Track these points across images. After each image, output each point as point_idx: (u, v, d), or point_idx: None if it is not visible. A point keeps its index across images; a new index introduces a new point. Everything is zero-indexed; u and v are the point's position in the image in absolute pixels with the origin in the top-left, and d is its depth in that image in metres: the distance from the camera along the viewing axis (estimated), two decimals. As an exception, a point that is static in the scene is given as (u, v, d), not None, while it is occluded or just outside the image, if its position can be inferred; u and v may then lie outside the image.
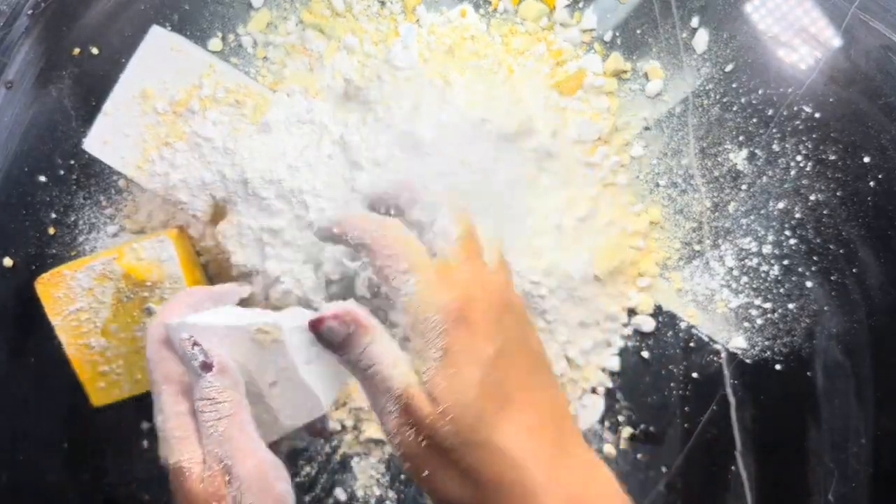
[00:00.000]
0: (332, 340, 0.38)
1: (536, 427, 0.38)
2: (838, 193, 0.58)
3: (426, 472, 0.37)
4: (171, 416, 0.40)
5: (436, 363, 0.36)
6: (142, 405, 0.61)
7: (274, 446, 0.42)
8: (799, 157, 0.58)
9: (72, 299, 0.54)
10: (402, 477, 0.63)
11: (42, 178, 0.59)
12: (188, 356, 0.39)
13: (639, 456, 0.62)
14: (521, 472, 0.36)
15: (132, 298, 0.54)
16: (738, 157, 0.58)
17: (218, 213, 0.55)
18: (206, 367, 0.39)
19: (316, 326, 0.38)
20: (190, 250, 0.57)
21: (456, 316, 0.36)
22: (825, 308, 0.59)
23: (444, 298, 0.37)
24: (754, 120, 0.58)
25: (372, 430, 0.62)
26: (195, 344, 0.40)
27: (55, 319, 0.55)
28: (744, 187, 0.59)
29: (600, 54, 0.58)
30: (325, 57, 0.56)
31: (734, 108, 0.58)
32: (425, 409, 0.36)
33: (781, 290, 0.59)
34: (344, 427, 0.62)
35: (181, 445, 0.40)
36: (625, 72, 0.58)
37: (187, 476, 0.38)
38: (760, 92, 0.58)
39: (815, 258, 0.59)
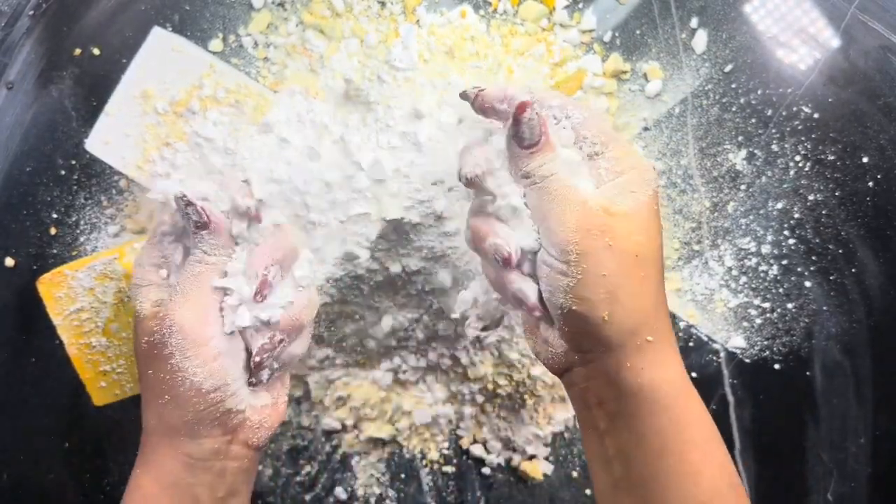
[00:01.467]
0: (531, 134, 0.38)
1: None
2: (837, 193, 0.58)
3: (602, 291, 0.37)
4: (139, 267, 0.47)
5: (613, 181, 0.38)
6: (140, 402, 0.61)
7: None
8: (798, 158, 0.58)
9: (73, 299, 0.55)
10: (403, 476, 0.63)
11: (43, 179, 0.59)
12: (183, 216, 0.45)
13: (638, 455, 0.62)
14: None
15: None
16: (738, 158, 0.59)
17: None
18: (202, 226, 0.44)
19: (521, 110, 0.38)
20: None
21: (637, 160, 0.39)
22: (824, 308, 0.59)
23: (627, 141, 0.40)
24: (753, 120, 0.58)
25: (372, 430, 0.62)
26: (188, 203, 0.44)
27: (57, 319, 0.55)
28: (743, 187, 0.59)
29: (600, 55, 0.58)
30: (325, 57, 0.56)
31: (733, 109, 0.58)
32: (601, 211, 0.38)
33: (780, 290, 0.59)
34: (344, 427, 0.63)
35: (147, 289, 0.46)
36: (624, 72, 0.58)
37: (141, 317, 0.45)
38: (759, 92, 0.58)
39: (813, 258, 0.59)
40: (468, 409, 0.62)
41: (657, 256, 0.39)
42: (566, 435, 0.62)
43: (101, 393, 0.57)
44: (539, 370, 0.59)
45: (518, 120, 0.38)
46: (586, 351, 0.39)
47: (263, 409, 0.46)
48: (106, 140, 0.53)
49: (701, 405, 0.40)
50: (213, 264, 0.45)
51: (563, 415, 0.61)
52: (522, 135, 0.38)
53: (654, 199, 0.39)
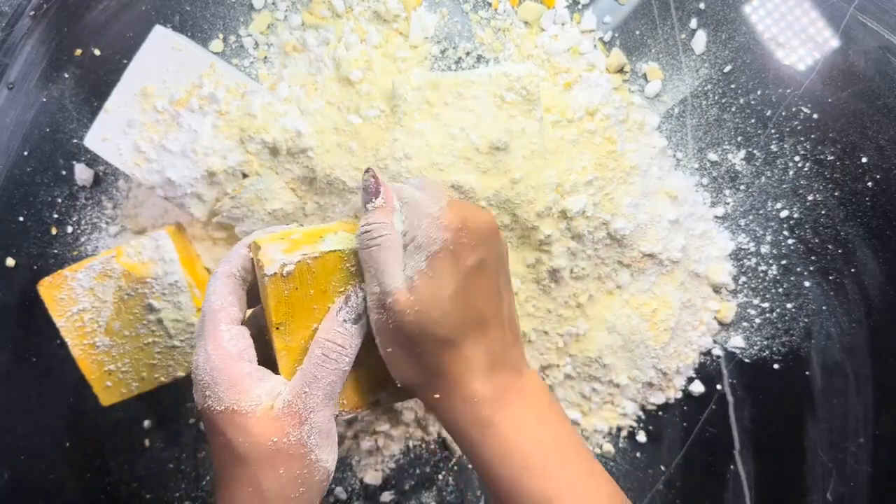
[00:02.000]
0: (366, 191, 0.44)
1: (499, 342, 0.44)
2: (836, 193, 0.58)
3: (389, 349, 0.43)
4: (217, 360, 0.43)
5: (422, 263, 0.41)
6: (143, 404, 0.61)
7: None
8: (797, 158, 0.58)
9: (74, 300, 0.55)
10: (403, 475, 0.63)
11: (44, 179, 0.59)
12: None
13: (638, 455, 0.62)
14: (465, 367, 0.43)
15: (133, 296, 0.55)
16: (737, 158, 0.59)
17: (214, 213, 0.55)
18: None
19: (366, 170, 0.44)
20: (188, 246, 0.57)
21: (450, 236, 0.42)
22: (823, 307, 0.59)
23: (441, 216, 0.42)
24: (752, 120, 0.58)
25: (372, 428, 0.62)
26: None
27: (59, 321, 0.55)
28: (742, 187, 0.59)
29: (602, 51, 0.58)
30: (325, 57, 0.56)
31: (732, 109, 0.58)
32: (402, 301, 0.41)
33: (780, 290, 0.59)
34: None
35: (234, 389, 0.42)
36: (625, 66, 0.58)
37: (248, 417, 0.42)
38: (759, 93, 0.58)
39: (813, 258, 0.59)
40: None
41: (453, 316, 0.42)
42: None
43: (107, 393, 0.57)
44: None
45: (364, 178, 0.44)
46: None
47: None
48: (105, 136, 0.53)
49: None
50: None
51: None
52: (366, 190, 0.44)
53: (441, 259, 0.42)
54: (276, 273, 0.42)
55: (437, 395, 0.43)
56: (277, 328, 0.43)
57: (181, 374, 0.57)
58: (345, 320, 0.43)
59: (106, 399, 0.57)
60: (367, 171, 0.44)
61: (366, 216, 0.43)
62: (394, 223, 0.43)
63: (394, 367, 0.44)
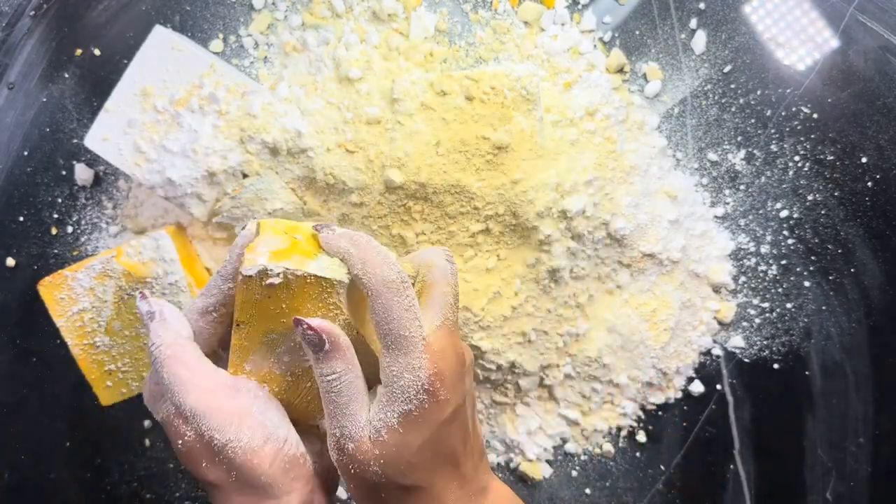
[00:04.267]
0: (310, 344, 0.40)
1: (470, 470, 0.43)
2: (836, 193, 0.58)
3: (352, 487, 0.42)
4: (203, 394, 0.42)
5: (393, 420, 0.40)
6: (143, 404, 0.61)
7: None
8: (797, 158, 0.58)
9: (74, 300, 0.55)
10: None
11: (44, 179, 0.59)
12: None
13: (637, 455, 0.62)
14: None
15: (133, 296, 0.55)
16: (737, 158, 0.59)
17: (214, 213, 0.55)
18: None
19: (297, 323, 0.40)
20: (188, 245, 0.57)
21: (427, 398, 0.40)
22: (823, 307, 0.59)
23: (420, 374, 0.40)
24: (752, 120, 0.58)
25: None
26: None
27: (59, 321, 0.55)
28: (742, 187, 0.59)
29: (602, 51, 0.58)
30: (325, 57, 0.56)
31: (732, 109, 0.58)
32: (365, 451, 0.40)
33: (779, 290, 0.59)
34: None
35: (235, 425, 0.42)
36: (625, 66, 0.58)
37: (256, 452, 0.41)
38: (759, 93, 0.58)
39: (813, 258, 0.59)
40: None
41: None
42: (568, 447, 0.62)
43: (107, 393, 0.57)
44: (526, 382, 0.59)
45: (299, 331, 0.40)
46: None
47: (323, 453, 0.46)
48: (105, 136, 0.53)
49: None
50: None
51: (561, 429, 0.62)
52: (310, 344, 0.40)
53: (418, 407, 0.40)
54: (251, 276, 0.40)
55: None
56: (238, 325, 0.42)
57: None
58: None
59: (106, 399, 0.57)
60: (297, 322, 0.40)
61: (318, 367, 0.41)
62: (350, 365, 0.40)
63: None
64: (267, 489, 0.41)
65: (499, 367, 0.58)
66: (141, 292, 0.44)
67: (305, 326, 0.40)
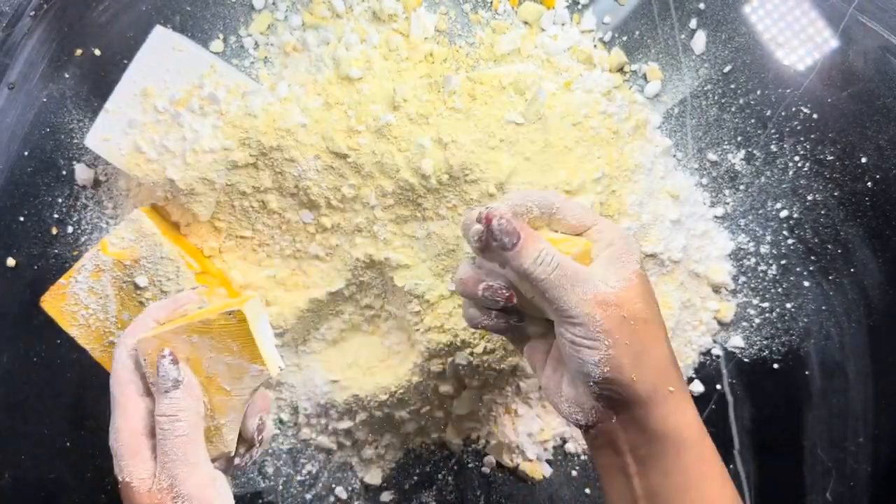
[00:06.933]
0: (507, 237, 0.42)
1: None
2: (836, 193, 0.58)
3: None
4: (125, 434, 0.44)
5: (604, 253, 0.43)
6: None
7: (223, 461, 0.47)
8: (797, 158, 0.58)
9: (78, 304, 0.54)
10: (403, 475, 0.63)
11: (45, 179, 0.59)
12: (161, 372, 0.43)
13: (638, 455, 0.62)
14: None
15: (129, 282, 0.54)
16: (736, 158, 0.59)
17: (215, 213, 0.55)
18: (176, 384, 0.43)
19: (488, 221, 0.42)
20: (166, 221, 0.57)
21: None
22: (823, 307, 0.59)
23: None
24: (752, 121, 0.58)
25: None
26: (174, 361, 0.44)
27: (72, 331, 0.55)
28: (742, 187, 0.59)
29: (602, 51, 0.58)
30: (325, 58, 0.56)
31: (732, 109, 0.58)
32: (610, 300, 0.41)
33: (779, 290, 0.59)
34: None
35: (133, 461, 0.43)
36: (625, 66, 0.58)
37: (135, 491, 0.43)
38: (758, 93, 0.58)
39: (812, 258, 0.59)
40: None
41: (659, 317, 0.44)
42: (568, 446, 0.62)
43: None
44: (529, 383, 0.59)
45: (491, 231, 0.42)
46: (617, 407, 0.43)
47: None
48: (105, 136, 0.53)
49: (712, 443, 0.44)
50: (184, 433, 0.44)
51: (561, 429, 0.62)
52: (502, 240, 0.42)
53: (641, 267, 0.43)
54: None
55: (671, 389, 0.43)
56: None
57: None
58: (166, 391, 0.43)
59: None
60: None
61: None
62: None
63: (646, 363, 0.43)
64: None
65: (500, 370, 0.58)
66: (170, 352, 0.44)
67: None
